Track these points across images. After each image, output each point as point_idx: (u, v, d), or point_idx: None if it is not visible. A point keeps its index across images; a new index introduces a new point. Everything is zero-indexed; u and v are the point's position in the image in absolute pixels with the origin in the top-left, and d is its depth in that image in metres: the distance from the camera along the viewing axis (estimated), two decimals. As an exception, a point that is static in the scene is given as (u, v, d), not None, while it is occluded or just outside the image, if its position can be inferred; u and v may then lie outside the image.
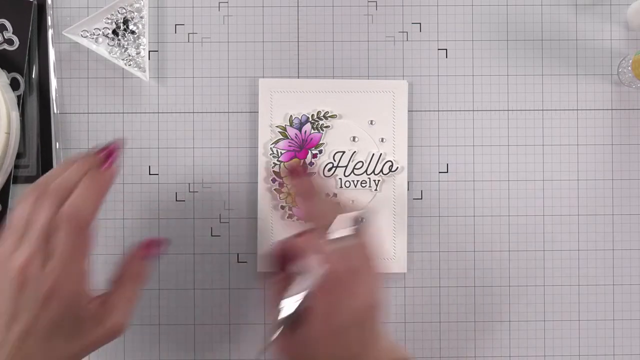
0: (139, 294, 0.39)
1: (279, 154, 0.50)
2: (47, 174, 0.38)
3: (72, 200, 0.36)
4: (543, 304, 0.52)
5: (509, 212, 0.52)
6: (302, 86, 0.51)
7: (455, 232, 0.52)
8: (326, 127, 0.50)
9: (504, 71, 0.52)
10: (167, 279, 0.51)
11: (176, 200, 0.52)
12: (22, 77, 0.50)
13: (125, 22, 0.51)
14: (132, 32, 0.51)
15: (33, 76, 0.51)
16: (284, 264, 0.42)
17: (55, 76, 0.51)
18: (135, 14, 0.51)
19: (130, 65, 0.51)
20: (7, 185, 0.50)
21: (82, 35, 0.51)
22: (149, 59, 0.52)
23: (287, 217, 0.50)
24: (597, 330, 0.52)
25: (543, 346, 0.52)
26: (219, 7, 0.52)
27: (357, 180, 0.50)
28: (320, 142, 0.50)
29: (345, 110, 0.51)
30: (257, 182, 0.51)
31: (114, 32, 0.51)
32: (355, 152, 0.50)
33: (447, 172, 0.52)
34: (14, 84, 0.50)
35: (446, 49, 0.52)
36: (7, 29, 0.50)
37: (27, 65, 0.51)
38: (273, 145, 0.50)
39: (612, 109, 0.52)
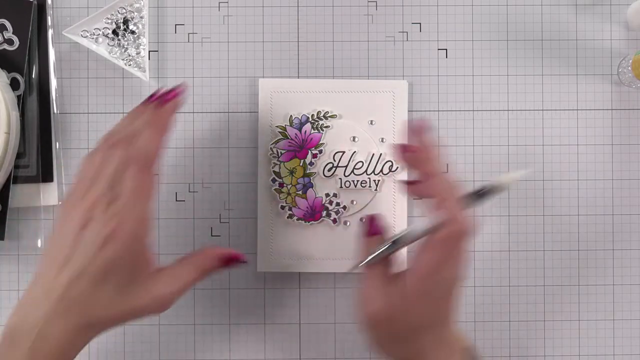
0: (195, 282, 0.39)
1: (279, 154, 0.50)
2: (114, 126, 0.40)
3: (136, 142, 0.37)
4: (543, 304, 0.52)
5: (509, 212, 0.52)
6: (302, 86, 0.51)
7: (455, 232, 0.52)
8: (326, 127, 0.50)
9: (504, 71, 0.52)
10: (167, 279, 0.51)
11: (176, 200, 0.52)
12: (22, 77, 0.50)
13: (125, 22, 0.51)
14: (132, 32, 0.51)
15: (33, 76, 0.51)
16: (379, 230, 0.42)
17: (55, 76, 0.51)
18: (135, 14, 0.51)
19: (130, 65, 0.51)
20: (7, 185, 0.50)
21: (82, 35, 0.51)
22: (149, 59, 0.52)
23: (287, 217, 0.50)
24: (597, 330, 0.52)
25: (543, 346, 0.52)
26: (219, 7, 0.52)
27: (357, 180, 0.50)
28: (320, 142, 0.50)
29: (345, 110, 0.51)
30: (257, 182, 0.51)
31: (114, 32, 0.51)
32: (355, 152, 0.50)
33: (447, 172, 0.52)
34: (14, 84, 0.50)
35: (446, 49, 0.52)
36: (7, 29, 0.50)
37: (27, 65, 0.50)
38: (273, 145, 0.50)
39: (612, 109, 0.52)
